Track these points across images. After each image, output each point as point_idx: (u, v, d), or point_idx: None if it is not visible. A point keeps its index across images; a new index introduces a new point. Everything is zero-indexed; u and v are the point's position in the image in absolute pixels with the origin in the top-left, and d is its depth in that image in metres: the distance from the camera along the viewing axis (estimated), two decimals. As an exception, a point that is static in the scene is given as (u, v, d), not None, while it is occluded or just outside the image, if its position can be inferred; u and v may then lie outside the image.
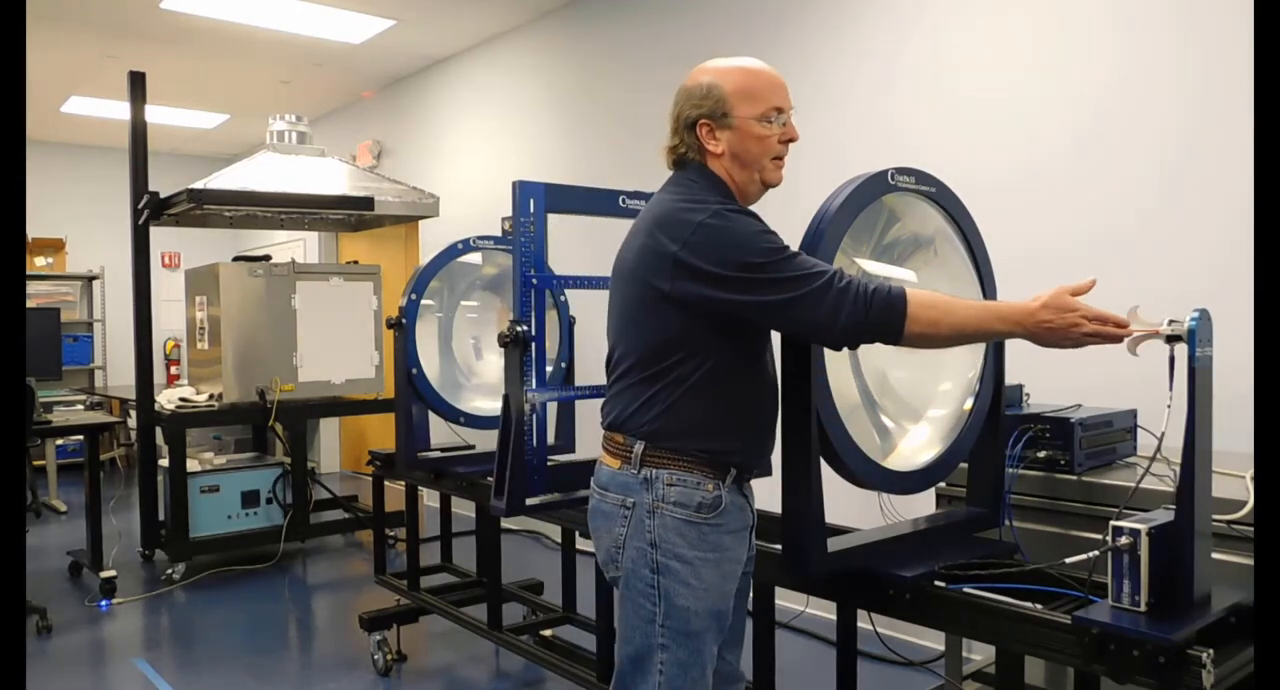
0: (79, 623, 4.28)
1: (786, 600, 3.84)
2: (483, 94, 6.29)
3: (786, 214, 2.36)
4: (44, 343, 5.35)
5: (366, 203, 5.25)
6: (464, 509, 5.58)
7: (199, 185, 4.82)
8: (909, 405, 2.11)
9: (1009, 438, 2.24)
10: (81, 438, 5.05)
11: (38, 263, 8.33)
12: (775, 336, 1.88)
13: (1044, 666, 2.40)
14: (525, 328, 2.50)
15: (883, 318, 1.64)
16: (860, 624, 2.08)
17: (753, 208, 1.88)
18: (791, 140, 1.84)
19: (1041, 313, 1.64)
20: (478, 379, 3.86)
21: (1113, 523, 1.59)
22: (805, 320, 1.67)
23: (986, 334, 1.72)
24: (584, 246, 4.13)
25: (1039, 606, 1.71)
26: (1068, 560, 1.73)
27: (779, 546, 1.90)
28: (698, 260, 1.69)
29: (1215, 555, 1.68)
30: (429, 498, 5.53)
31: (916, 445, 2.07)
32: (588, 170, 5.26)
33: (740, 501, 1.85)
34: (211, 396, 5.19)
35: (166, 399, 5.17)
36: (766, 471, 2.12)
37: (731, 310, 1.71)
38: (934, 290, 2.11)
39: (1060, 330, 1.63)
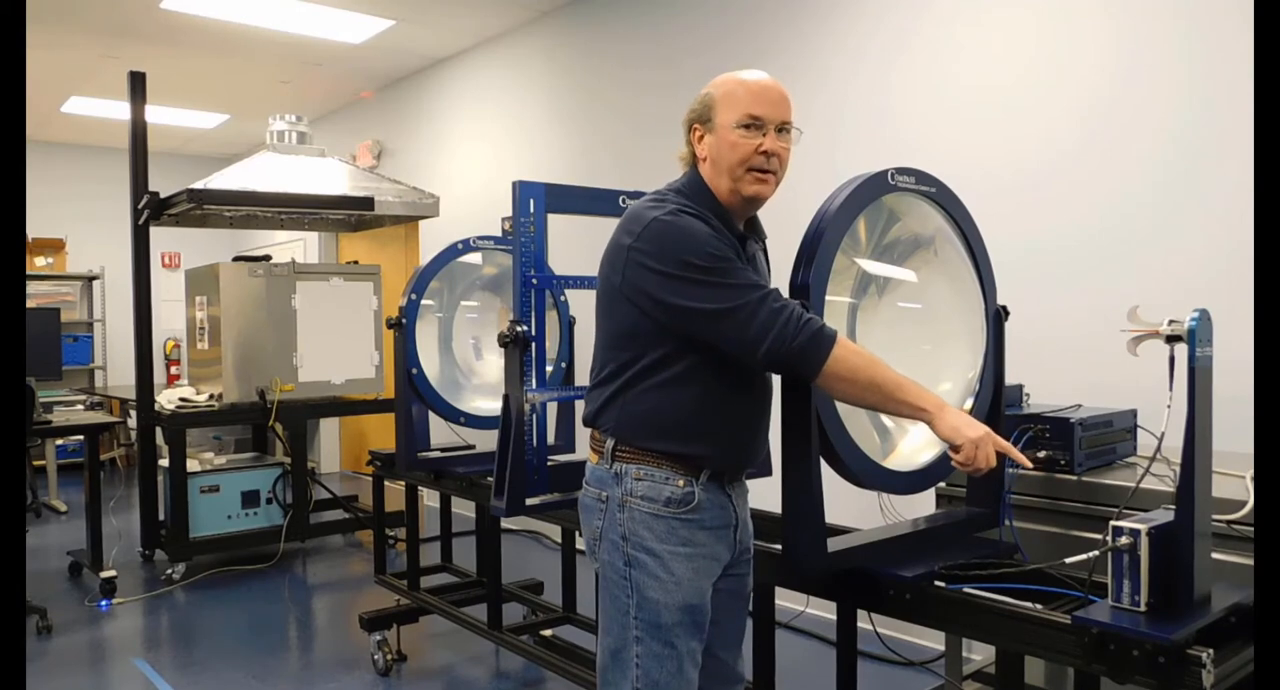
0: (79, 623, 4.28)
1: (786, 600, 3.84)
2: (483, 94, 6.29)
3: (787, 214, 2.37)
4: (44, 343, 5.35)
5: (366, 203, 5.25)
6: (464, 509, 5.59)
7: (199, 185, 4.82)
8: (909, 405, 2.11)
9: (1009, 438, 2.24)
10: (81, 438, 5.05)
11: (38, 263, 8.33)
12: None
13: (1044, 666, 2.40)
14: (525, 328, 2.50)
15: (807, 349, 1.64)
16: (860, 624, 2.08)
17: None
18: (768, 153, 1.78)
19: (953, 410, 1.68)
20: (478, 379, 3.86)
21: (1113, 523, 1.59)
22: (732, 335, 1.67)
23: (897, 400, 1.68)
24: (584, 246, 4.12)
25: (1039, 606, 1.71)
26: (1068, 560, 1.73)
27: (779, 546, 1.90)
28: (644, 256, 1.72)
29: (1215, 555, 1.68)
30: (429, 498, 5.53)
31: (916, 445, 2.07)
32: (588, 170, 5.26)
33: (720, 499, 1.85)
34: (211, 396, 5.19)
35: (166, 399, 5.17)
36: (766, 472, 2.12)
37: (666, 314, 1.72)
38: (932, 292, 2.12)
39: (964, 422, 1.66)
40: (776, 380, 1.86)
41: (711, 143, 1.81)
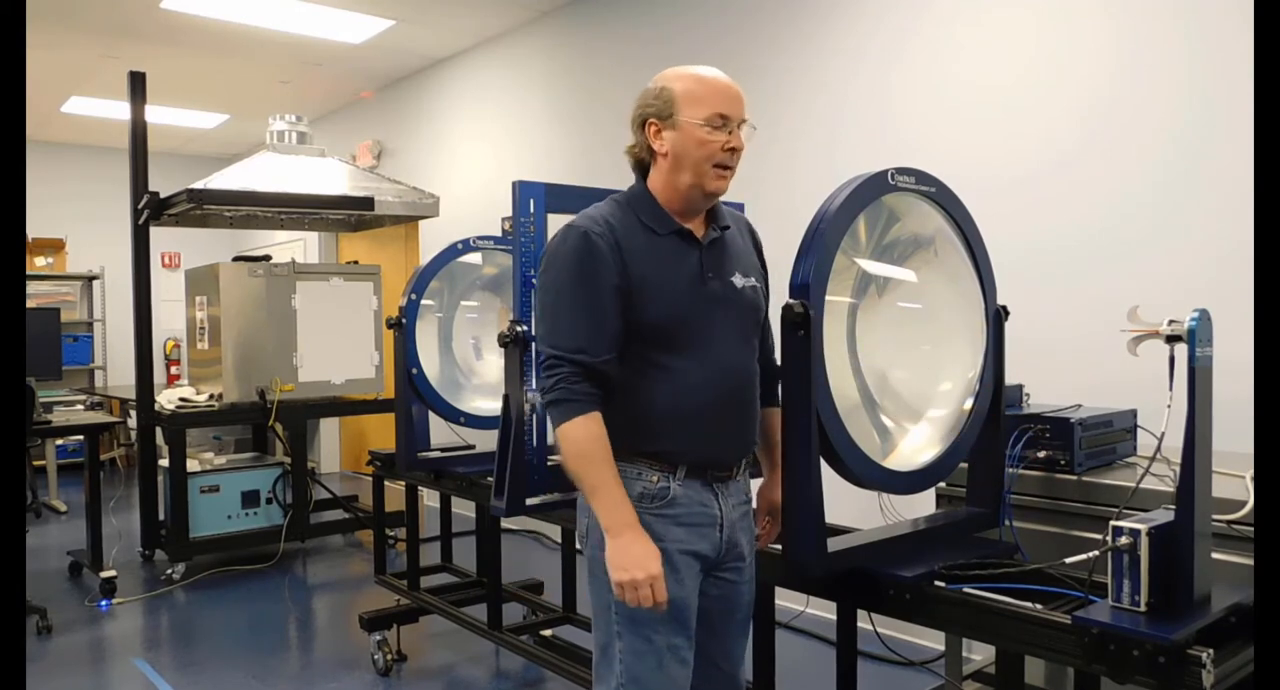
0: (79, 623, 4.28)
1: (786, 600, 3.84)
2: (483, 94, 6.29)
3: (787, 214, 2.37)
4: (44, 343, 5.35)
5: (366, 203, 5.25)
6: (464, 509, 5.58)
7: (199, 185, 4.82)
8: (909, 405, 2.11)
9: (1009, 438, 2.24)
10: (81, 438, 5.05)
11: (38, 263, 8.34)
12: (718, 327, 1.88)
13: (1044, 666, 2.40)
14: (525, 328, 2.50)
15: (550, 408, 1.81)
16: (860, 624, 2.08)
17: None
18: (734, 149, 1.82)
19: (632, 539, 1.73)
20: (478, 379, 3.86)
21: (1113, 523, 1.59)
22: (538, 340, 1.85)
23: (589, 499, 1.79)
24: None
25: (1039, 606, 1.71)
26: (1068, 560, 1.73)
27: (779, 546, 1.90)
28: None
29: (1215, 555, 1.68)
30: (429, 498, 5.53)
31: (916, 445, 2.06)
32: (588, 170, 5.27)
33: (700, 496, 1.84)
34: (211, 396, 5.19)
35: (166, 399, 5.17)
36: (759, 472, 2.11)
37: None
38: (932, 292, 2.12)
39: (632, 560, 1.71)
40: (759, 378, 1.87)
41: (675, 139, 1.82)
